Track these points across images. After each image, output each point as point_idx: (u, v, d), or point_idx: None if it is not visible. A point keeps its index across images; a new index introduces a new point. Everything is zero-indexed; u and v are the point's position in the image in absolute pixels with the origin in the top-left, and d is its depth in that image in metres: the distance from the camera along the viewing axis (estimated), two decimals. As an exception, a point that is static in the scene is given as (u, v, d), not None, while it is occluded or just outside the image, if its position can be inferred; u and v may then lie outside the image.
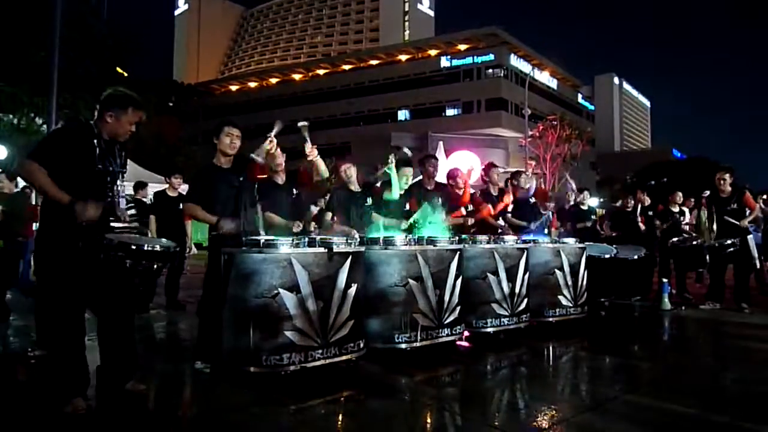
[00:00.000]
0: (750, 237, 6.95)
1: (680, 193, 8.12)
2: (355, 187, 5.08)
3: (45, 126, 11.55)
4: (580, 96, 63.15)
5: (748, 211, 6.90)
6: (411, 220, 5.04)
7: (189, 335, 5.17)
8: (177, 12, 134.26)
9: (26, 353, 4.29)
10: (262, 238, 3.55)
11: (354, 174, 5.09)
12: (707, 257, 6.79)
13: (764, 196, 9.02)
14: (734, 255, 6.75)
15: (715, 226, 7.02)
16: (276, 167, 4.44)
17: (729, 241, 6.67)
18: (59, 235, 2.92)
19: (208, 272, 3.87)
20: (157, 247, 3.16)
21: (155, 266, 3.17)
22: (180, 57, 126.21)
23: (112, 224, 3.06)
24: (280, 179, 4.57)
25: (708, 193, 7.61)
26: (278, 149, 4.23)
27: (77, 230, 2.87)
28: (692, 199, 9.83)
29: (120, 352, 3.19)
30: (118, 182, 3.17)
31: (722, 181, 7.00)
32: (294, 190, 4.57)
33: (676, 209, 7.97)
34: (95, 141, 3.01)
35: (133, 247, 3.04)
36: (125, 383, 3.22)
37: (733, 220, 6.79)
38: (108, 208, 3.09)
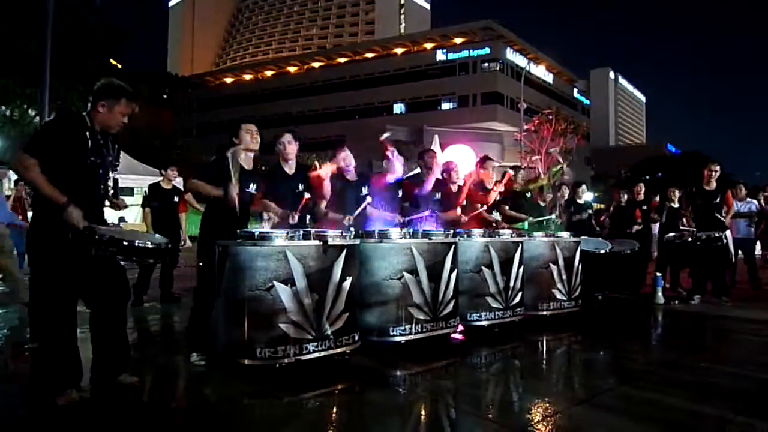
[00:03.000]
0: (727, 233, 7.07)
1: (676, 190, 8.12)
2: (351, 176, 4.98)
3: (38, 117, 11.47)
4: (575, 90, 63.17)
5: (725, 209, 7.04)
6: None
7: (184, 328, 5.15)
8: (171, 3, 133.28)
9: (21, 346, 4.28)
10: (257, 230, 3.54)
11: (352, 163, 5.00)
12: (695, 249, 6.86)
13: (766, 193, 9.02)
14: (713, 250, 6.80)
15: (693, 223, 7.10)
16: (287, 156, 4.38)
17: (717, 234, 6.72)
18: (52, 227, 2.90)
19: (201, 263, 3.85)
20: (149, 244, 3.12)
21: (148, 262, 3.14)
22: (174, 49, 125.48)
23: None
24: (290, 169, 4.44)
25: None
26: (292, 136, 4.31)
27: (77, 233, 2.86)
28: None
29: (112, 345, 3.17)
30: (111, 174, 3.15)
31: (714, 173, 7.03)
32: (300, 184, 4.48)
33: (675, 205, 8.00)
34: (87, 133, 2.98)
35: (125, 243, 3.01)
36: (117, 376, 3.20)
37: (720, 217, 6.92)
38: (100, 201, 3.08)
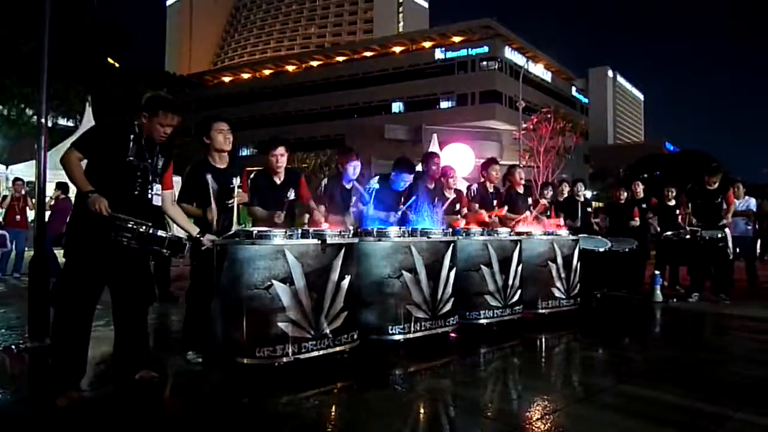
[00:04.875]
0: (727, 230, 7.10)
1: (673, 189, 8.12)
2: (347, 183, 4.91)
3: (35, 117, 11.44)
4: (574, 89, 63.15)
5: (725, 205, 7.05)
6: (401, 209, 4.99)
7: (181, 327, 5.15)
8: (169, 2, 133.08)
9: (19, 344, 4.28)
10: (255, 229, 3.54)
11: (357, 173, 4.92)
12: (695, 248, 6.87)
13: None
14: (714, 248, 6.84)
15: (694, 219, 7.10)
16: (278, 169, 4.29)
17: (720, 235, 6.75)
18: (89, 226, 2.98)
19: (195, 263, 3.85)
20: (173, 236, 3.16)
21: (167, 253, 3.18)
22: (172, 47, 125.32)
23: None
24: (278, 179, 4.35)
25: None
26: (284, 148, 4.24)
27: (106, 223, 2.92)
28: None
29: (134, 341, 3.28)
30: (150, 179, 3.21)
31: (714, 182, 7.08)
32: (290, 193, 4.42)
33: (671, 203, 8.00)
34: (131, 137, 3.14)
35: (160, 234, 3.07)
36: (137, 371, 3.27)
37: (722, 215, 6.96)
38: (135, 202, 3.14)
